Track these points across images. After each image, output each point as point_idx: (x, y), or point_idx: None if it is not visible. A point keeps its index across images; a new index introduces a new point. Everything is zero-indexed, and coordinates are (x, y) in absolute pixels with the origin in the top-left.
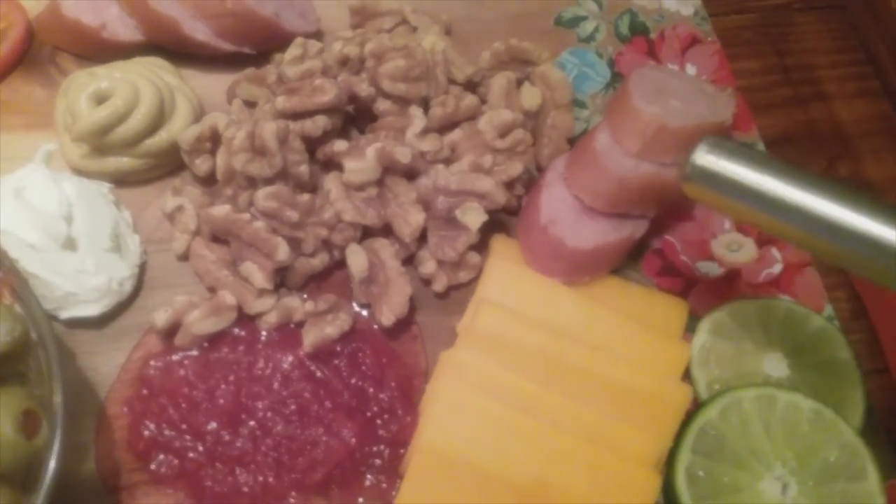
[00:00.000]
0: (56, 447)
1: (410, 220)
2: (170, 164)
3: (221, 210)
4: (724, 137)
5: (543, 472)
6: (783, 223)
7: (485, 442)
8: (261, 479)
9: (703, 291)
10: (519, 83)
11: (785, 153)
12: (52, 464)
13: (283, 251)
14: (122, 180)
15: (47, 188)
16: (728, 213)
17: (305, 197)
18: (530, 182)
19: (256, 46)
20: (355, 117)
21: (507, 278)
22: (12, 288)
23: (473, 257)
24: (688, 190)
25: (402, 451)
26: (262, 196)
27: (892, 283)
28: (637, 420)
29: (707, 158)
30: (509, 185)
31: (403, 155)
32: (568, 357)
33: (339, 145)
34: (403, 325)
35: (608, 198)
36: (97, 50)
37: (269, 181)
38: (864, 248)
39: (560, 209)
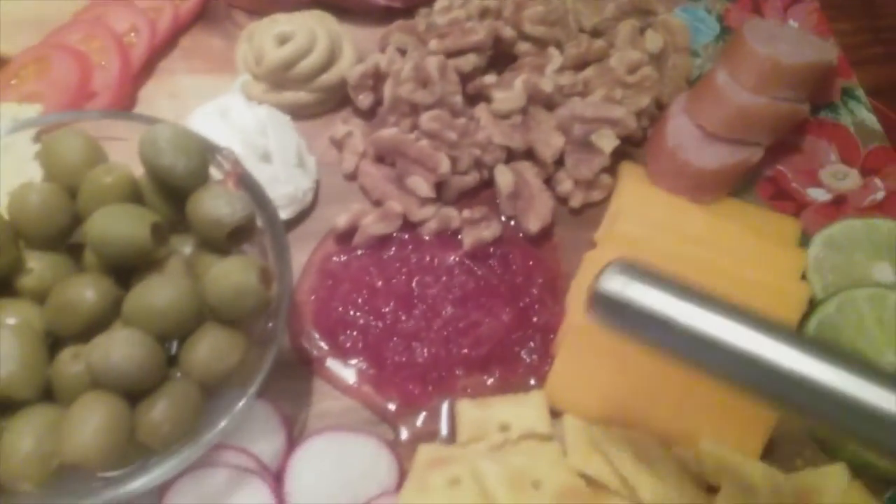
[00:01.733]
0: (286, 300)
1: (552, 142)
2: (335, 99)
3: (390, 132)
4: (633, 261)
5: None
6: (708, 363)
7: None
8: (433, 351)
9: (812, 213)
10: (640, 32)
11: (876, 104)
12: (283, 312)
13: (445, 164)
14: (295, 114)
15: (246, 110)
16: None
17: (462, 120)
18: (653, 117)
19: (404, 1)
20: (493, 62)
21: (638, 196)
22: (239, 180)
23: (606, 178)
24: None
25: (551, 336)
26: (427, 118)
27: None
28: (763, 309)
29: (616, 281)
30: (637, 115)
31: (547, 84)
32: (699, 258)
33: (489, 79)
34: (545, 235)
35: (728, 124)
36: (266, 5)
37: (429, 108)
38: (790, 389)
39: (685, 136)
